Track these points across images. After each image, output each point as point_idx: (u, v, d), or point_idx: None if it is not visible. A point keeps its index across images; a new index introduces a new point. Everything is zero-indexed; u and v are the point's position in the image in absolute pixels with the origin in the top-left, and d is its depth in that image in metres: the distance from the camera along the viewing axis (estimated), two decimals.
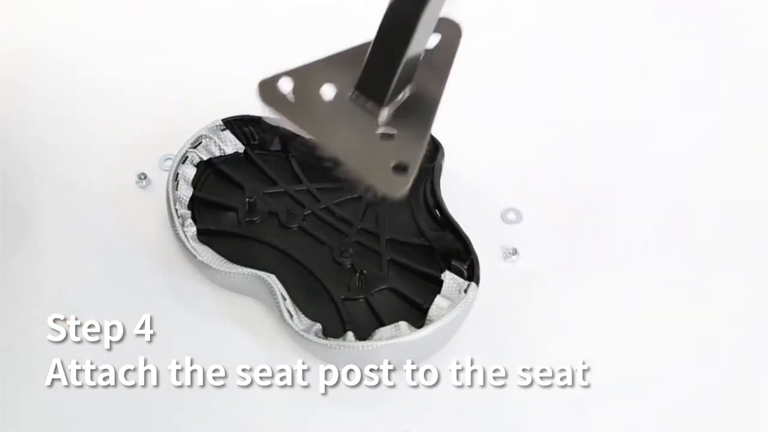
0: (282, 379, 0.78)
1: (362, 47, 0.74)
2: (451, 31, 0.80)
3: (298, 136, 0.92)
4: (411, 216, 0.87)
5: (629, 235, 0.91)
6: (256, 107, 0.92)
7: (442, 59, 0.78)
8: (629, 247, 0.90)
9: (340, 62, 0.76)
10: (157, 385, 0.77)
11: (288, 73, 0.75)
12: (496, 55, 1.08)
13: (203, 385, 0.77)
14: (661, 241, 0.90)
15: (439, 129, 0.91)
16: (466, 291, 0.78)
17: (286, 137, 0.92)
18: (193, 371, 0.78)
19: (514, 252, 0.88)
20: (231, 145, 0.91)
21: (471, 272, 0.80)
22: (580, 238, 0.90)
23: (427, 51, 0.77)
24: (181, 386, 0.77)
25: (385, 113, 0.74)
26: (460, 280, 0.80)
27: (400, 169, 0.70)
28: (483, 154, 0.96)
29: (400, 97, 0.75)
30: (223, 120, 0.91)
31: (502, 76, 1.06)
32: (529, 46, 1.10)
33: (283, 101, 0.73)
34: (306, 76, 0.75)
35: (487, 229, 0.90)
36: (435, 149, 0.90)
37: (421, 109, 0.75)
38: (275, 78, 0.75)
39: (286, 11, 1.12)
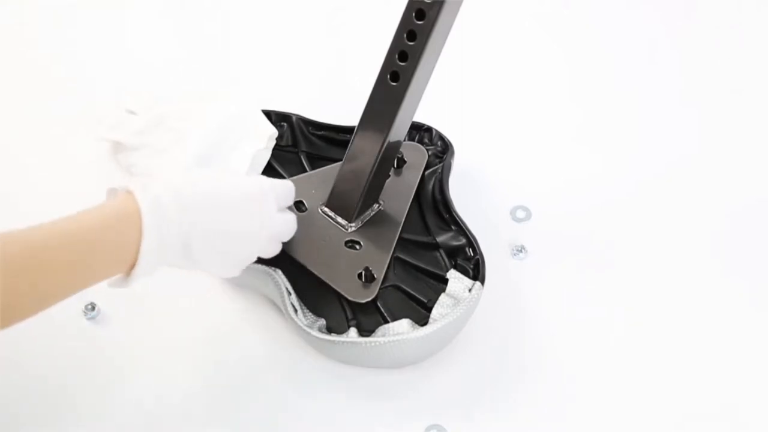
0: (284, 373, 0.78)
1: (333, 168, 0.85)
2: (417, 155, 0.90)
3: (308, 131, 0.93)
4: (419, 214, 0.87)
5: (638, 233, 0.90)
6: (266, 103, 0.94)
7: (409, 180, 0.88)
8: (638, 246, 0.89)
9: (313, 180, 0.87)
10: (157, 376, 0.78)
11: None
12: (506, 55, 1.08)
13: (206, 379, 0.78)
14: (670, 239, 0.90)
15: (449, 128, 0.92)
16: (470, 290, 0.78)
17: (296, 133, 0.93)
18: (195, 363, 0.79)
19: (522, 249, 0.88)
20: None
21: (477, 271, 0.80)
22: (589, 235, 0.90)
23: (395, 172, 0.87)
24: (182, 379, 0.78)
25: (352, 227, 0.83)
26: (466, 279, 0.79)
27: (365, 278, 0.79)
28: (493, 153, 0.96)
29: (368, 212, 0.84)
30: None
31: (513, 76, 1.06)
32: (539, 47, 1.10)
33: None
34: None
35: (496, 226, 0.90)
36: (445, 148, 0.91)
37: (387, 224, 0.84)
38: None
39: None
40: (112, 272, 0.65)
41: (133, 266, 0.64)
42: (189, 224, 0.66)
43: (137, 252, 0.63)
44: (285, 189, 0.75)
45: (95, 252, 0.63)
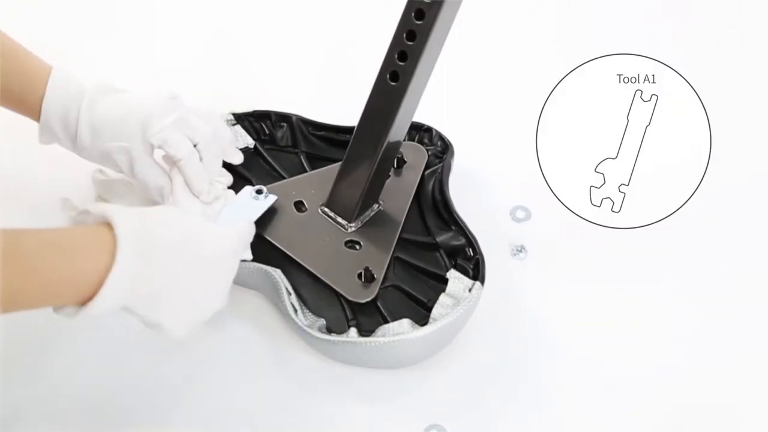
0: (284, 373, 0.78)
1: (333, 168, 0.85)
2: (417, 155, 0.90)
3: (308, 132, 0.93)
4: (419, 214, 0.87)
5: (637, 233, 0.90)
6: (266, 103, 0.94)
7: (408, 180, 0.88)
8: (638, 245, 0.89)
9: (314, 180, 0.87)
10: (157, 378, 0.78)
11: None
12: (506, 55, 1.08)
13: (205, 378, 0.78)
14: (669, 239, 0.90)
15: (449, 128, 0.92)
16: (470, 290, 0.78)
17: (296, 133, 0.93)
18: (193, 363, 0.78)
19: (522, 249, 0.88)
20: (241, 139, 0.91)
21: (477, 271, 0.80)
22: (589, 235, 0.90)
23: (395, 172, 0.88)
24: (181, 379, 0.78)
25: (352, 227, 0.83)
26: (466, 279, 0.79)
27: (365, 278, 0.79)
28: (493, 153, 0.96)
29: (368, 212, 0.84)
30: (233, 114, 0.92)
31: (513, 76, 1.06)
32: (539, 47, 1.10)
33: None
34: (281, 191, 0.85)
35: (496, 226, 0.90)
36: (445, 148, 0.91)
37: (387, 225, 0.85)
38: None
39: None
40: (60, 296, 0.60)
41: (90, 296, 0.59)
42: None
43: (101, 280, 0.59)
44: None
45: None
